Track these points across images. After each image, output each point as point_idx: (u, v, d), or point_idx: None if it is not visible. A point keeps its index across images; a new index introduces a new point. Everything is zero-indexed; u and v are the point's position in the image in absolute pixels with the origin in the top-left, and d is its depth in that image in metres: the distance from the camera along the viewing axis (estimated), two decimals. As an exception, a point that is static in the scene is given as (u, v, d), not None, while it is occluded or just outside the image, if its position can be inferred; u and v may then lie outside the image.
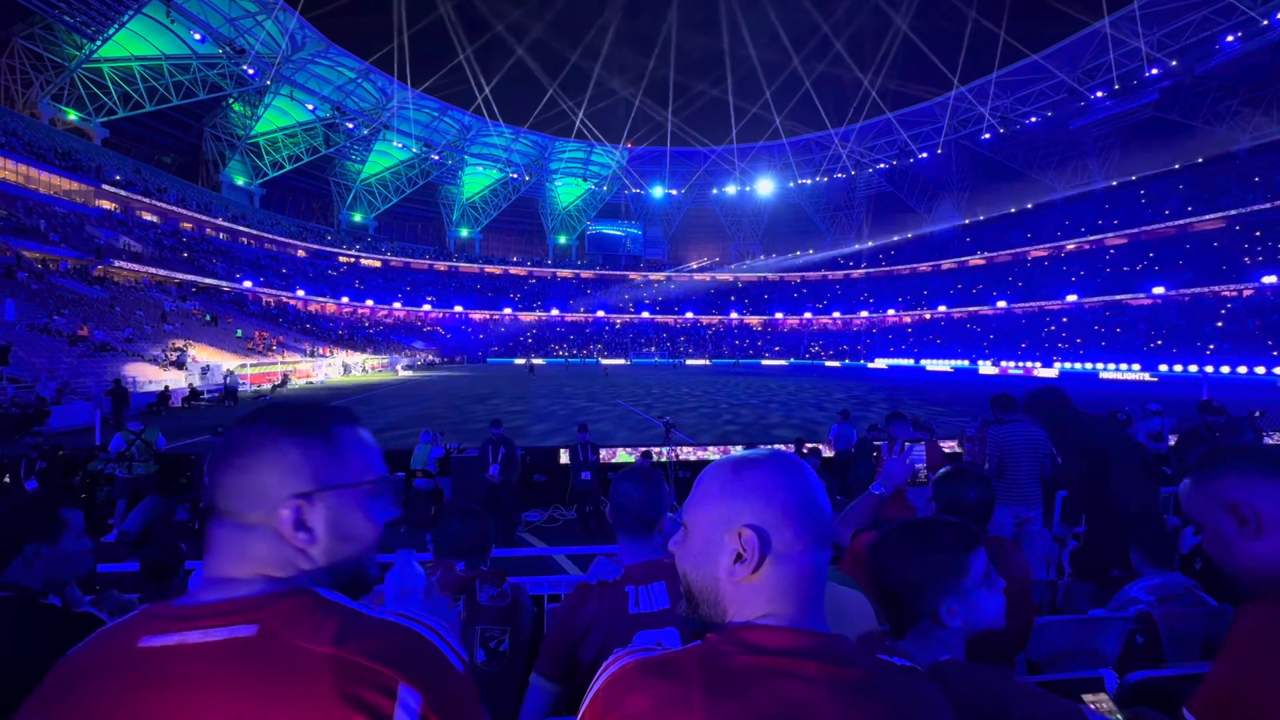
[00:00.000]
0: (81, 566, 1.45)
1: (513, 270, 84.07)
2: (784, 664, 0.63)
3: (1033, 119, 59.71)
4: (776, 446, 0.87)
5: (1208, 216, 51.49)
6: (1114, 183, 62.39)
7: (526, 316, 76.16)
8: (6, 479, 7.15)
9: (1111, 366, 41.74)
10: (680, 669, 0.65)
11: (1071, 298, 55.70)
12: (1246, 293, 44.35)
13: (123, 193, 44.29)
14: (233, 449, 0.66)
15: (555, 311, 77.31)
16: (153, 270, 39.81)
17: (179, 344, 27.91)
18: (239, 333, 36.58)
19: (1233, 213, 49.55)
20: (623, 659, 0.69)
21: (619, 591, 1.39)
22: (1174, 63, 48.42)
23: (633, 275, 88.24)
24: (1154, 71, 49.86)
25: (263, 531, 0.65)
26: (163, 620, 0.60)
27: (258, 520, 0.64)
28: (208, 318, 36.71)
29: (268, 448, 0.66)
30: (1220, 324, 42.78)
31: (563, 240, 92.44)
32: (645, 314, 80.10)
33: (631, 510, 1.49)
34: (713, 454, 10.37)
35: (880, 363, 61.33)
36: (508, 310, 75.55)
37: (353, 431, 0.72)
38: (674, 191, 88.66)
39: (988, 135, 64.00)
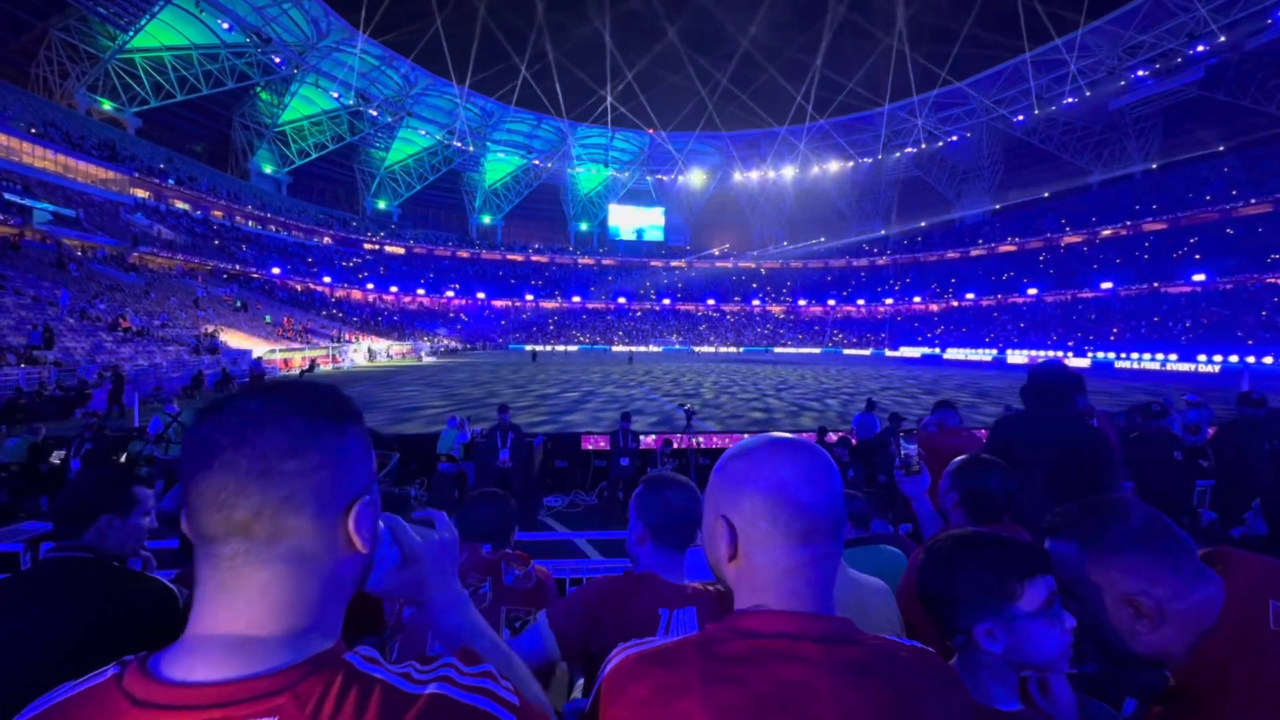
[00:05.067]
0: (141, 540, 1.58)
1: (534, 258, 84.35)
2: (780, 646, 0.63)
3: (1070, 99, 57.59)
4: (797, 435, 0.80)
5: (1253, 201, 49.38)
6: (1154, 165, 60.16)
7: (548, 304, 76.51)
8: (55, 459, 7.46)
9: (1148, 356, 40.51)
10: (677, 657, 0.66)
11: (1106, 285, 54.02)
12: (1293, 280, 42.59)
13: (156, 181, 45.43)
14: (269, 449, 0.52)
15: (577, 299, 77.51)
16: (185, 257, 40.86)
17: (210, 329, 28.69)
18: (268, 318, 37.42)
19: (1280, 196, 47.46)
20: (625, 651, 0.70)
21: (652, 611, 1.25)
22: (1222, 39, 46.22)
23: (654, 262, 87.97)
24: (1200, 48, 47.67)
25: (307, 550, 0.53)
26: (148, 709, 0.48)
27: (303, 536, 0.53)
28: (238, 304, 37.61)
29: (324, 439, 0.55)
30: (1264, 313, 41.15)
31: (584, 227, 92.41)
32: (666, 301, 79.91)
33: (687, 521, 1.35)
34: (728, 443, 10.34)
35: (906, 351, 60.41)
36: (529, 297, 75.98)
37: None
38: (697, 178, 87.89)
39: (1021, 117, 62.03)
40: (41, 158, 36.10)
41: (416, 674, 0.55)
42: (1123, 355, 42.34)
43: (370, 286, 63.97)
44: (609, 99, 71.52)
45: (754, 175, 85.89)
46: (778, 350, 66.50)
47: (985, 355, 51.66)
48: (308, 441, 0.53)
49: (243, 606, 0.51)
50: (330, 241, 66.87)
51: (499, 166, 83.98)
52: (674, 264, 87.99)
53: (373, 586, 0.68)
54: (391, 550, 0.71)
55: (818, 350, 66.73)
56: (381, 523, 0.69)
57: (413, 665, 0.56)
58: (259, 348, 28.24)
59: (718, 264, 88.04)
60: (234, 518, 0.51)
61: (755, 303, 79.99)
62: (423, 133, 73.60)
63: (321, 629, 0.54)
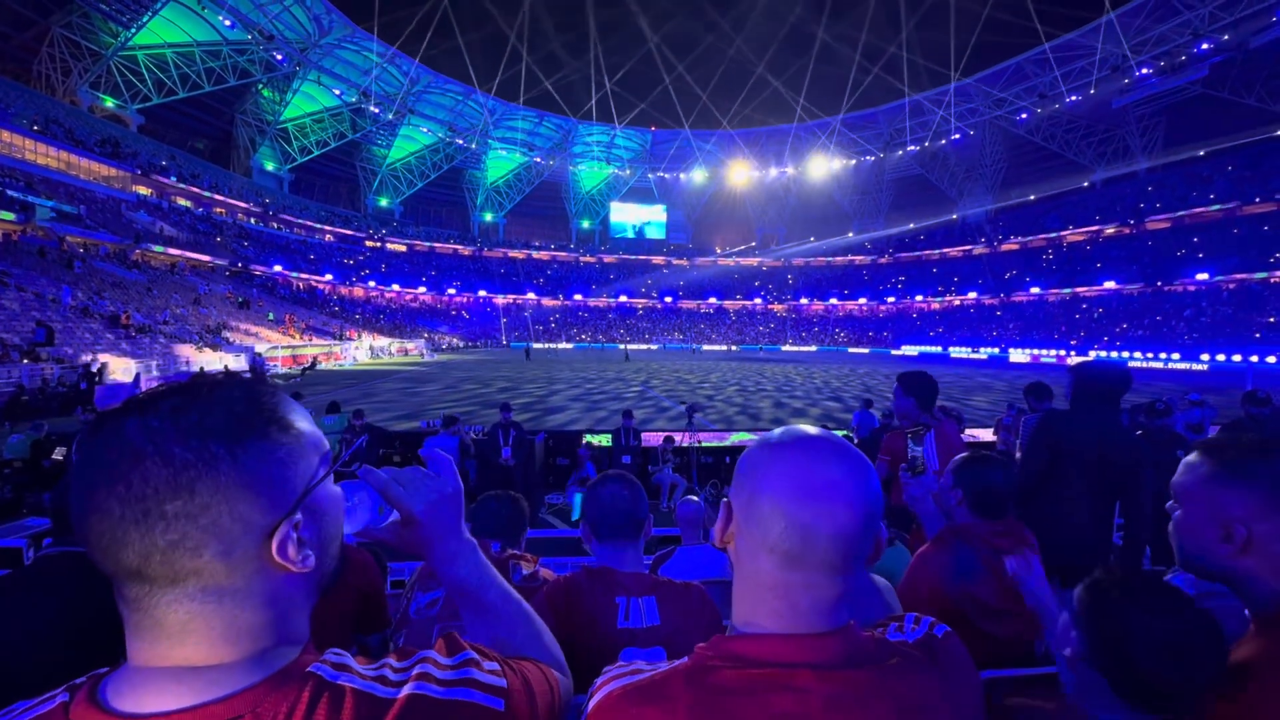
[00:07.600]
0: None
1: (536, 255, 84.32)
2: (774, 676, 0.59)
3: (1073, 97, 57.34)
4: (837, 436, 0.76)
5: (1257, 200, 49.20)
6: (1157, 164, 59.92)
7: (550, 301, 76.52)
8: (57, 455, 7.47)
9: (1150, 355, 40.43)
10: (666, 691, 0.61)
11: (1109, 284, 53.90)
12: (1298, 279, 42.40)
13: (158, 178, 45.44)
14: (147, 489, 0.44)
15: (578, 296, 77.52)
16: (187, 254, 40.87)
17: (213, 326, 28.72)
18: (270, 315, 37.44)
19: (1285, 195, 47.25)
20: (609, 684, 0.66)
21: (609, 601, 1.30)
22: (1226, 36, 46.02)
23: (656, 260, 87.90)
24: (1205, 46, 47.46)
25: (222, 587, 0.46)
26: None
27: (211, 575, 0.46)
28: (240, 301, 37.62)
29: (218, 467, 0.46)
30: (1272, 318, 40.87)
31: (586, 224, 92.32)
32: (668, 299, 79.87)
33: (620, 510, 1.41)
34: (730, 439, 10.34)
35: (907, 349, 60.30)
36: (531, 295, 75.96)
37: (288, 401, 0.54)
38: (698, 175, 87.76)
39: (1024, 115, 61.79)
40: (44, 154, 36.12)
41: (393, 674, 0.51)
42: (1125, 354, 42.23)
43: (372, 284, 64.00)
44: (613, 95, 71.54)
45: (756, 173, 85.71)
46: (783, 349, 66.40)
47: (987, 353, 51.59)
48: (196, 474, 0.45)
49: (172, 644, 0.46)
50: (332, 239, 66.89)
51: (501, 164, 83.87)
52: (676, 262, 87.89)
53: (376, 536, 0.67)
54: (388, 511, 0.68)
55: (818, 348, 66.65)
56: (372, 485, 0.67)
57: (389, 664, 0.53)
58: (261, 345, 28.27)
59: (720, 262, 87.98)
60: (122, 562, 0.44)
61: (757, 300, 79.92)
62: (424, 130, 73.50)
63: (283, 640, 0.50)
